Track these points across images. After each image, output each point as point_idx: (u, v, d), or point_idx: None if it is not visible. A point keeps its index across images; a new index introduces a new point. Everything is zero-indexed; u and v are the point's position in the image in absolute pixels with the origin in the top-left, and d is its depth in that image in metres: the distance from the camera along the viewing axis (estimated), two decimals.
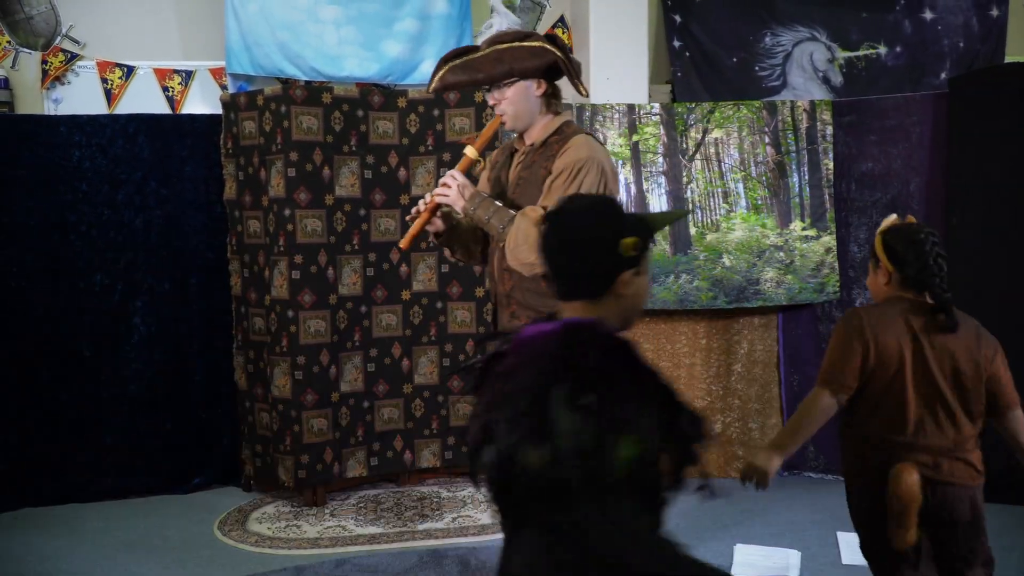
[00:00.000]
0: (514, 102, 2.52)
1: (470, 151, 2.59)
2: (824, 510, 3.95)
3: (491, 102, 2.56)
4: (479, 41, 3.03)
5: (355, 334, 4.21)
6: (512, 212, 2.47)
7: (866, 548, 2.40)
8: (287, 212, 4.01)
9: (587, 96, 2.75)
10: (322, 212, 4.09)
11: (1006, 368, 2.28)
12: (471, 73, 2.51)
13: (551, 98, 2.57)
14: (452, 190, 2.51)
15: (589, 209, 1.58)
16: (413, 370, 4.36)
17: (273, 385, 4.11)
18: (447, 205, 2.55)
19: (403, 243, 2.61)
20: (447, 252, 2.78)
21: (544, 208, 2.37)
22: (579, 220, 1.55)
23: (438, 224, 2.62)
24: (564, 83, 2.60)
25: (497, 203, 2.52)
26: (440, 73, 2.54)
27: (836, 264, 4.34)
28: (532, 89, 2.52)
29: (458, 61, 2.52)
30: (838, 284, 4.35)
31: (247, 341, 4.30)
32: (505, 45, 2.50)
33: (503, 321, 2.58)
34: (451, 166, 4.30)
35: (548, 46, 2.50)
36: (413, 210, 2.62)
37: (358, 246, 4.21)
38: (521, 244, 2.39)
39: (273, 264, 4.07)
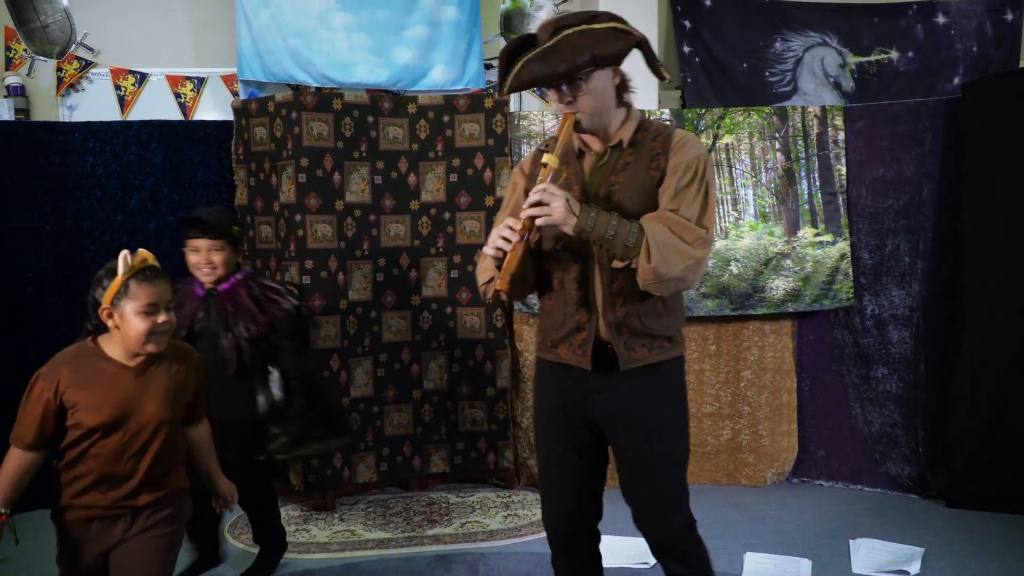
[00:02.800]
0: (595, 96, 2.13)
1: (550, 159, 2.13)
2: (835, 518, 3.93)
3: (562, 100, 2.15)
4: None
5: (365, 339, 4.22)
6: (634, 223, 2.09)
7: None
8: (298, 217, 4.03)
9: (670, 80, 2.38)
10: (332, 218, 4.10)
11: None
12: (549, 66, 2.07)
13: (624, 89, 2.23)
14: (557, 206, 2.05)
15: None
16: (422, 375, 4.36)
17: None
18: (547, 226, 2.10)
19: (501, 284, 2.07)
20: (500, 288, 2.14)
21: (674, 211, 2.10)
22: None
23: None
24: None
25: (613, 213, 2.11)
26: (515, 70, 2.09)
27: (850, 270, 4.31)
28: (610, 80, 2.17)
29: (530, 54, 2.08)
30: (852, 291, 4.32)
31: None
32: (574, 29, 2.08)
33: (621, 356, 2.20)
34: (461, 171, 4.34)
35: (624, 27, 2.12)
36: (498, 239, 2.09)
37: (368, 251, 4.22)
38: (667, 257, 2.04)
39: (284, 269, 4.09)
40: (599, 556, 2.51)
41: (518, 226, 2.07)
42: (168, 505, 2.33)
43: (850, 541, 3.63)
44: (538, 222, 2.07)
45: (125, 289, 2.18)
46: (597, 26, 2.08)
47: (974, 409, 4.02)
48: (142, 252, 2.27)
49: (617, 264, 2.15)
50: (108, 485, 2.25)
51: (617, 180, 2.20)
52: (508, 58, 2.12)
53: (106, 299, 2.18)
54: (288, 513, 4.14)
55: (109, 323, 2.20)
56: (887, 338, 4.28)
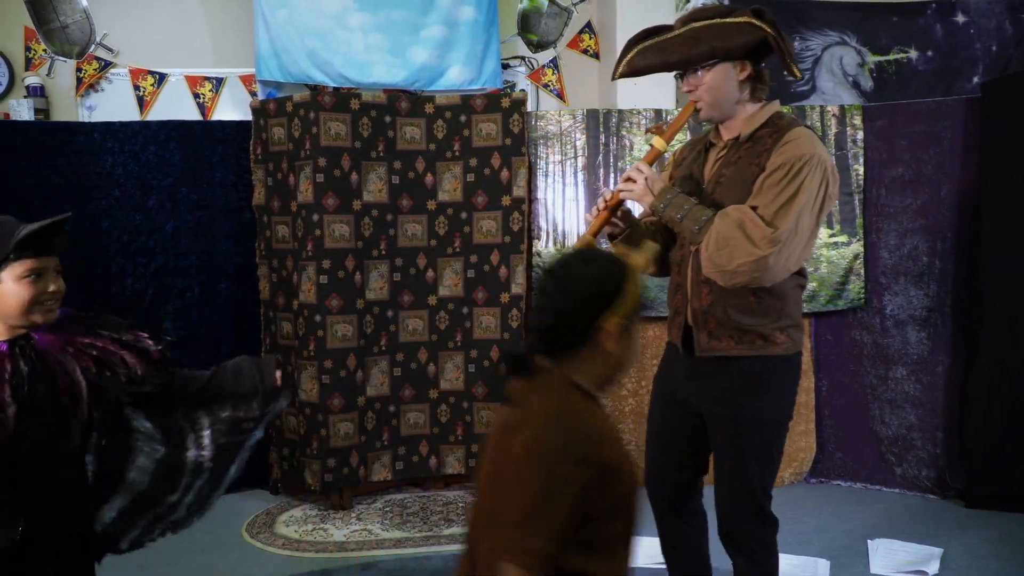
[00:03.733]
0: (712, 87, 2.19)
1: (658, 142, 2.25)
2: (853, 518, 3.91)
3: (685, 88, 2.24)
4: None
5: (381, 339, 4.23)
6: (710, 211, 2.16)
7: None
8: (315, 217, 4.05)
9: (800, 79, 2.47)
10: (350, 217, 4.12)
11: None
12: (663, 55, 2.20)
13: (756, 83, 2.24)
14: (639, 184, 2.20)
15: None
16: (439, 375, 4.37)
17: (301, 389, 4.14)
18: (631, 201, 2.25)
19: (579, 242, 2.30)
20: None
21: (754, 208, 2.11)
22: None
23: (617, 224, 2.33)
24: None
25: (692, 199, 2.20)
26: (628, 57, 2.23)
27: (863, 271, 4.30)
28: (734, 72, 2.20)
29: (649, 43, 2.22)
30: (863, 291, 4.31)
31: (276, 345, 4.34)
32: (703, 23, 2.17)
33: (700, 343, 2.26)
34: (478, 171, 4.34)
35: (756, 21, 2.14)
36: (593, 208, 2.33)
37: (385, 251, 4.23)
38: (722, 248, 2.09)
39: (301, 269, 4.11)
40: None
41: (609, 196, 2.28)
42: None
43: (868, 541, 3.61)
44: (619, 195, 2.25)
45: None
46: (728, 20, 2.15)
47: (992, 410, 3.99)
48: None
49: (690, 249, 2.26)
50: None
51: (725, 173, 2.24)
52: (631, 45, 2.24)
53: None
54: (306, 512, 4.15)
55: None
56: (906, 338, 4.26)
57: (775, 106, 2.29)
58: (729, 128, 2.28)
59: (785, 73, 2.23)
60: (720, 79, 2.19)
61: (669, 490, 2.48)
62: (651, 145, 2.25)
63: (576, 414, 1.45)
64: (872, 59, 5.29)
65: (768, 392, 2.28)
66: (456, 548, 3.66)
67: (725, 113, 2.25)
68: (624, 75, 2.28)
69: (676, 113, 4.48)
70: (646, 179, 2.21)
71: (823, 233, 4.32)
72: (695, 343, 2.28)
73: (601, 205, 2.28)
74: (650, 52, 2.20)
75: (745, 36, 2.14)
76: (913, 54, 5.28)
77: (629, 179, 2.22)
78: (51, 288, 1.93)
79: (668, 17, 5.03)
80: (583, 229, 4.39)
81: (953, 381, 4.18)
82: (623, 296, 1.48)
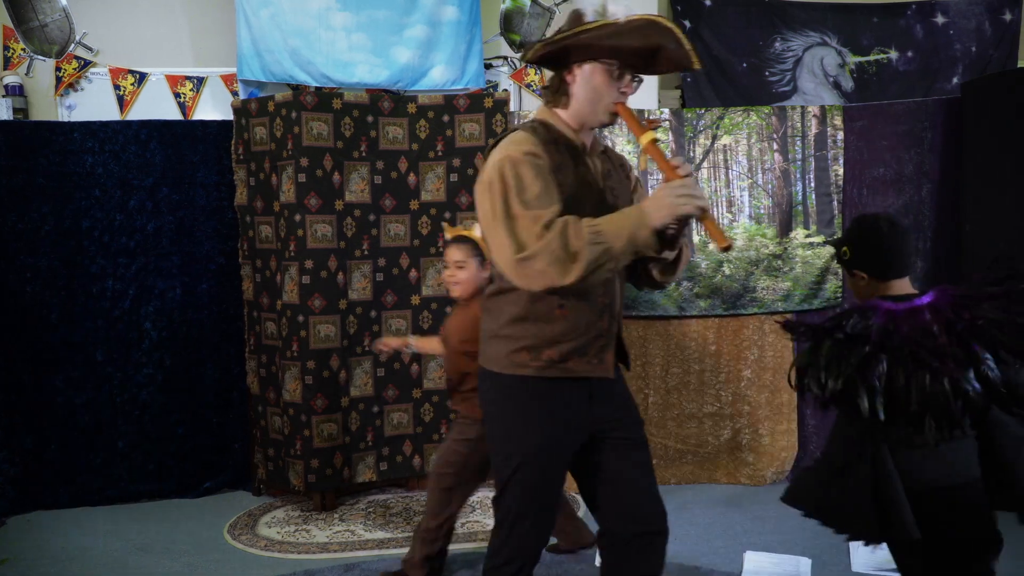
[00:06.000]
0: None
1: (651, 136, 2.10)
2: None
3: (632, 89, 2.14)
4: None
5: (365, 339, 4.22)
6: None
7: None
8: (298, 217, 4.03)
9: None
10: (332, 217, 4.10)
11: None
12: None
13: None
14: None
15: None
16: (422, 375, 4.36)
17: (284, 389, 4.12)
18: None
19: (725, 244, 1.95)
20: (659, 276, 2.23)
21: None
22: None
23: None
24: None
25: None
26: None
27: (840, 271, 4.33)
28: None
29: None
30: (840, 290, 4.34)
31: (259, 345, 4.32)
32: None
33: (627, 355, 2.26)
34: (461, 171, 4.34)
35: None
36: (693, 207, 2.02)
37: (368, 251, 4.22)
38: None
39: (284, 269, 4.09)
40: None
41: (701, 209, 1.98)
42: None
43: (850, 541, 3.63)
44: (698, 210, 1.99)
45: None
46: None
47: None
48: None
49: (668, 255, 2.14)
50: None
51: (615, 185, 2.25)
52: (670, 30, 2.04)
53: None
54: (288, 513, 4.14)
55: None
56: None
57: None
58: (589, 134, 2.21)
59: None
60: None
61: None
62: (656, 141, 2.09)
63: None
64: (853, 60, 5.32)
65: None
66: None
67: None
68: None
69: (658, 113, 4.50)
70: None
71: (800, 233, 4.35)
72: (627, 358, 2.28)
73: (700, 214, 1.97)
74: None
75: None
76: (894, 55, 5.32)
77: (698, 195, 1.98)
78: None
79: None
80: None
81: None
82: None
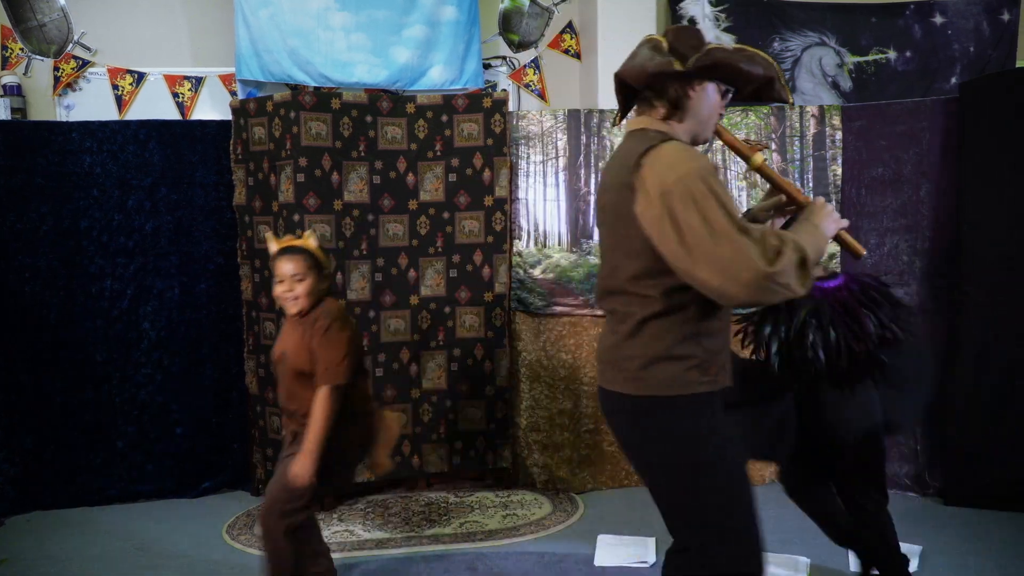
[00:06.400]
0: None
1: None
2: None
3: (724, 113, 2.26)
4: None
5: (363, 339, 4.22)
6: None
7: None
8: (296, 217, 4.03)
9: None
10: (331, 217, 4.10)
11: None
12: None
13: None
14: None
15: None
16: (421, 375, 4.36)
17: None
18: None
19: (862, 252, 2.35)
20: None
21: None
22: None
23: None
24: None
25: None
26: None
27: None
28: None
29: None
30: None
31: (258, 345, 4.32)
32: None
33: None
34: (460, 171, 4.34)
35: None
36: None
37: (366, 251, 4.22)
38: None
39: None
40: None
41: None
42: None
43: None
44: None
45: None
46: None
47: (972, 408, 4.03)
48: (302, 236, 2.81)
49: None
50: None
51: None
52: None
53: None
54: None
55: None
56: None
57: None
58: None
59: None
60: None
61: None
62: (764, 161, 2.30)
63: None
64: (851, 60, 5.33)
65: None
66: (438, 548, 3.66)
67: None
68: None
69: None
70: None
71: None
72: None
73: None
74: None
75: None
76: (892, 55, 5.32)
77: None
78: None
79: (649, 18, 5.04)
80: (563, 229, 4.40)
81: (932, 379, 4.20)
82: None
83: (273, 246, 2.90)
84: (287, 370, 2.85)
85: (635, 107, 2.22)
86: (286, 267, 2.80)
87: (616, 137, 4.39)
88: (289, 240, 2.93)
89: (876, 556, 3.04)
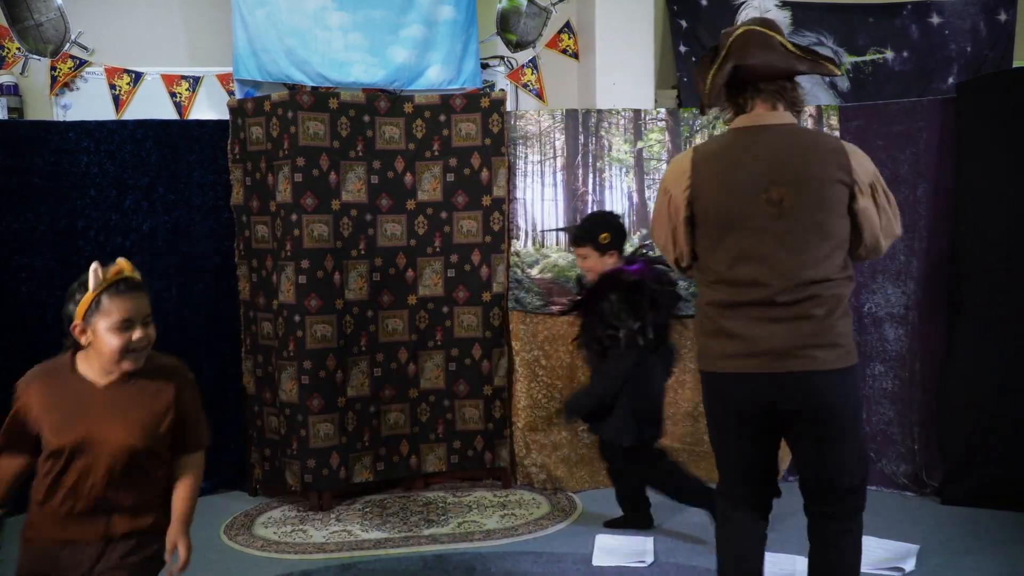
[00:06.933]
0: None
1: None
2: None
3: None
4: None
5: (361, 339, 4.22)
6: None
7: None
8: (294, 217, 4.03)
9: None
10: (329, 217, 4.10)
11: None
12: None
13: None
14: None
15: None
16: (419, 375, 4.36)
17: (280, 389, 4.12)
18: None
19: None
20: None
21: None
22: None
23: None
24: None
25: None
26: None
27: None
28: None
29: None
30: None
31: (256, 345, 4.31)
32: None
33: None
34: (458, 170, 4.34)
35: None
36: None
37: (364, 251, 4.22)
38: None
39: (280, 269, 4.09)
40: None
41: None
42: (153, 542, 2.14)
43: None
44: None
45: (97, 304, 2.03)
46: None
47: (969, 407, 4.03)
48: (119, 263, 2.09)
49: None
50: (76, 510, 2.09)
51: None
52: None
53: (77, 315, 2.04)
54: (285, 513, 4.14)
55: (82, 340, 2.07)
56: (883, 336, 4.30)
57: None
58: None
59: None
60: None
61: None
62: None
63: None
64: (849, 60, 5.33)
65: None
66: (436, 548, 3.66)
67: None
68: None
69: (655, 113, 4.50)
70: None
71: None
72: None
73: None
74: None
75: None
76: (889, 55, 5.33)
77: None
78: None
79: (647, 18, 5.04)
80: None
81: (930, 378, 4.21)
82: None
83: (100, 276, 2.07)
84: (115, 452, 2.07)
85: (757, 100, 2.43)
86: (138, 306, 2.09)
87: (614, 137, 4.39)
88: (122, 268, 2.11)
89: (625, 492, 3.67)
